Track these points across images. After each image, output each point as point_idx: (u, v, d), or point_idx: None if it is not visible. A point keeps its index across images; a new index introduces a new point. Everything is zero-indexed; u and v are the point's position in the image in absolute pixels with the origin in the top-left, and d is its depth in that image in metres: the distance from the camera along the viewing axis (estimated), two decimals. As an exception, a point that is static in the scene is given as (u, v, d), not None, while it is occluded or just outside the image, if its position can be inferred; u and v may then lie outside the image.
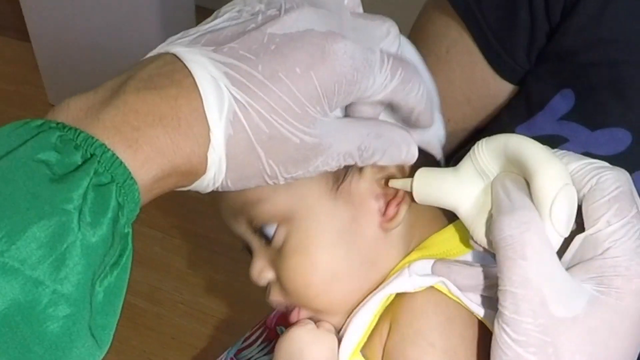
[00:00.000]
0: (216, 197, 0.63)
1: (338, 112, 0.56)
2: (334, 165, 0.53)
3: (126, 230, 0.46)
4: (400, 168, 0.61)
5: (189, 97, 0.48)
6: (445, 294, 0.57)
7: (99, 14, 2.23)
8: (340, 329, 0.61)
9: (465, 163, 0.56)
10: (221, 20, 0.53)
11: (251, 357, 0.92)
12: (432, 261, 0.58)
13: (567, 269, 0.50)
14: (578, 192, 0.51)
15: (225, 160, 0.49)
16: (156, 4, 2.18)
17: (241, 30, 0.51)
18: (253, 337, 0.95)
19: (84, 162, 0.44)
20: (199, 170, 0.49)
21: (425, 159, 0.63)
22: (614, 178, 0.50)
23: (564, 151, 0.54)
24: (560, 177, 0.50)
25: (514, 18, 0.74)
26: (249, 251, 0.65)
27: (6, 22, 2.73)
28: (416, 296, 0.57)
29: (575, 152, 0.69)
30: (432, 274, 0.57)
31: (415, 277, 0.57)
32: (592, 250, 0.49)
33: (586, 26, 0.69)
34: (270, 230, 0.60)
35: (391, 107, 0.57)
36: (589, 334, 0.47)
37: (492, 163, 0.54)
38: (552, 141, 0.71)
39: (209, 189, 0.52)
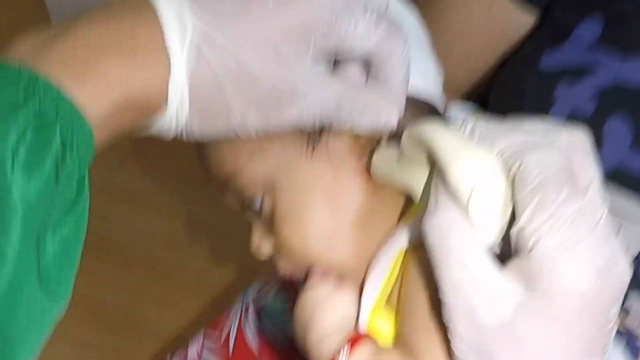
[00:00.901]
0: (207, 175, 0.61)
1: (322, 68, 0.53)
2: (309, 119, 0.50)
3: (81, 174, 0.43)
4: (375, 137, 0.57)
5: (148, 26, 0.46)
6: None
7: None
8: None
9: (401, 150, 0.52)
10: None
11: (268, 303, 0.91)
12: None
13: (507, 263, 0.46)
14: (508, 175, 0.46)
15: (187, 96, 0.47)
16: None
17: None
18: (270, 282, 0.93)
19: (25, 101, 0.41)
20: (159, 105, 0.47)
21: (417, 108, 0.60)
22: (536, 162, 0.45)
23: (492, 125, 0.49)
24: (473, 172, 0.46)
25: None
26: None
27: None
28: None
29: (606, 81, 0.67)
30: None
31: None
32: (521, 248, 0.44)
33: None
34: (256, 202, 0.58)
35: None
36: (518, 341, 0.44)
37: (419, 154, 0.50)
38: (580, 71, 0.69)
39: (172, 130, 0.49)
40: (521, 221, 0.44)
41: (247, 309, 0.92)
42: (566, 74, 0.69)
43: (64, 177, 0.42)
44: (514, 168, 0.45)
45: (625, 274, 0.45)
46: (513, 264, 0.45)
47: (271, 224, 0.58)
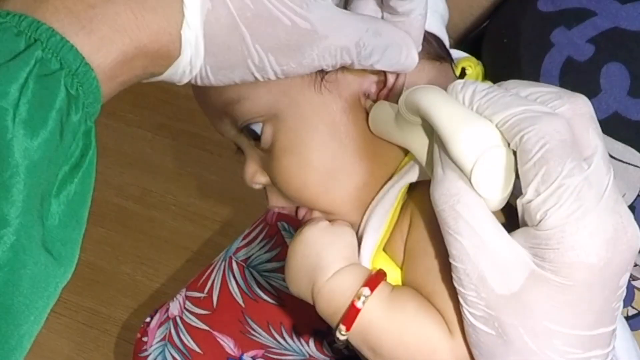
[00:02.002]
0: (200, 99, 0.60)
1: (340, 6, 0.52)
2: (330, 61, 0.49)
3: (87, 126, 0.41)
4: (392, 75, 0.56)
5: None
6: None
7: None
8: (358, 228, 0.57)
9: (398, 111, 0.51)
10: None
11: (251, 255, 0.90)
12: None
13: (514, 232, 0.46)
14: (510, 145, 0.46)
15: (202, 41, 0.45)
16: None
17: None
18: (253, 234, 0.92)
19: (25, 50, 0.39)
20: (172, 52, 0.44)
21: (429, 44, 0.59)
22: (538, 133, 0.43)
23: (492, 92, 0.47)
24: (474, 144, 0.45)
25: None
26: (243, 153, 0.61)
27: None
28: None
29: (604, 25, 0.65)
30: None
31: None
32: (529, 219, 0.44)
33: None
34: (256, 128, 0.56)
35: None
36: (528, 311, 0.44)
37: (417, 119, 0.50)
38: (578, 14, 0.67)
39: (186, 79, 0.47)
40: (527, 195, 0.44)
41: (230, 264, 0.91)
42: (564, 17, 0.68)
43: (69, 131, 0.39)
44: (516, 139, 0.44)
45: (635, 241, 0.44)
46: (521, 234, 0.45)
47: (269, 154, 0.57)
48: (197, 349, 0.90)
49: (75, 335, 1.57)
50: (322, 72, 0.55)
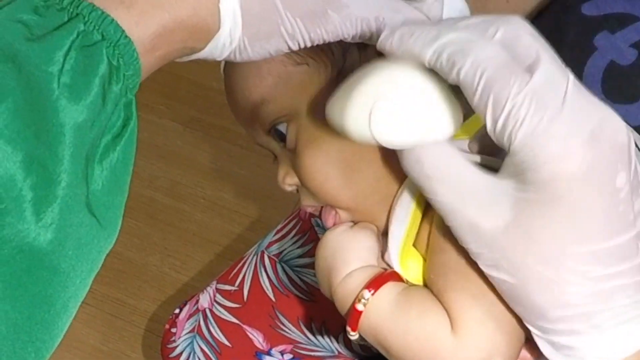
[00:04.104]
0: (232, 108, 0.61)
1: None
2: (350, 30, 0.50)
3: (128, 99, 0.43)
4: None
5: None
6: None
7: None
8: (386, 224, 0.57)
9: None
10: None
11: (284, 250, 0.91)
12: None
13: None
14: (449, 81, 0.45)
15: (240, 12, 0.47)
16: None
17: None
18: (286, 229, 0.93)
19: (68, 22, 0.41)
20: (211, 25, 0.46)
21: None
22: (473, 66, 0.42)
23: (421, 28, 0.46)
24: (359, 111, 0.46)
25: None
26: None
27: None
28: None
29: None
30: None
31: None
32: (505, 148, 0.43)
33: None
34: (282, 128, 0.58)
35: None
36: (528, 237, 0.43)
37: None
38: (622, 19, 0.67)
39: (226, 52, 0.49)
40: (488, 126, 0.42)
41: (262, 258, 0.91)
42: (608, 21, 0.68)
43: (110, 99, 0.42)
44: (453, 76, 0.43)
45: (620, 133, 0.42)
46: (504, 167, 0.44)
47: (294, 153, 0.58)
48: (226, 342, 0.91)
49: (101, 325, 1.59)
50: (337, 65, 0.56)
